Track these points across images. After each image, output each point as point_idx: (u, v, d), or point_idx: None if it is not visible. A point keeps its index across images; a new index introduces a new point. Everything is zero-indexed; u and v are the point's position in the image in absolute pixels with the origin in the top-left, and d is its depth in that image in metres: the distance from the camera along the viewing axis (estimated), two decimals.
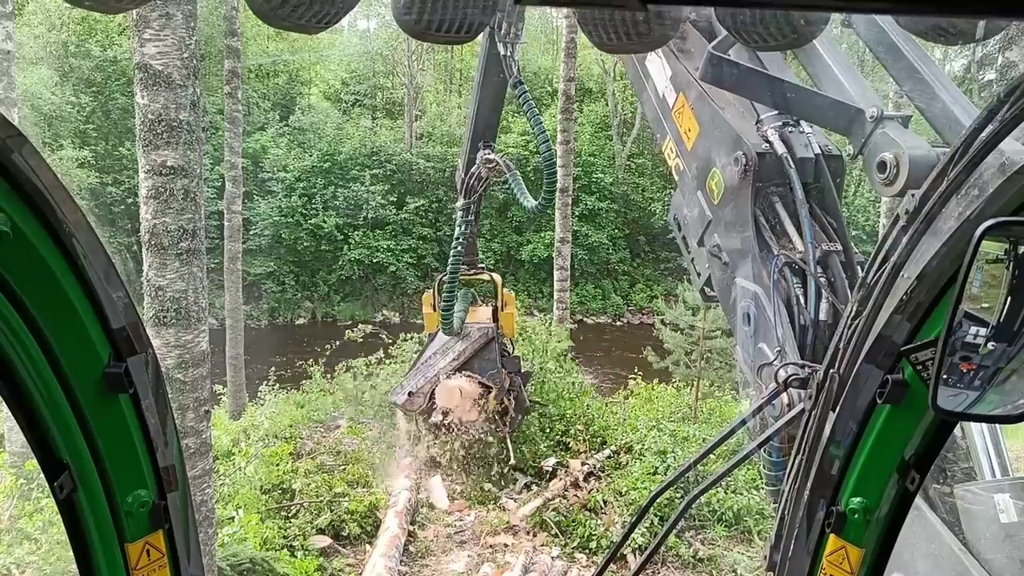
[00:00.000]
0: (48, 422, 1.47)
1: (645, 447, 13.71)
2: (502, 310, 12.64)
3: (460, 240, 11.54)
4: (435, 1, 1.51)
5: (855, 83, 4.48)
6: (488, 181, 11.02)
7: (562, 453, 13.55)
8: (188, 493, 1.79)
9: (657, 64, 5.74)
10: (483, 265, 13.01)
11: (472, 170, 10.94)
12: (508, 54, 8.66)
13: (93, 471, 1.55)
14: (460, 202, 11.35)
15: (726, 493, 12.30)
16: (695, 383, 18.13)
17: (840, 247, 4.56)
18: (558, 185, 18.56)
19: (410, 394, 10.86)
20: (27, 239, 1.34)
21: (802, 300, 4.41)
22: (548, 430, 13.96)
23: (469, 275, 12.57)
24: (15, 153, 1.29)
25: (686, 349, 18.96)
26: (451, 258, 11.60)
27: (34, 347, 1.41)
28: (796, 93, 4.58)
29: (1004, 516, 3.42)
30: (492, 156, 10.56)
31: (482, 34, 9.60)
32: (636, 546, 11.46)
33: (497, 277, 13.07)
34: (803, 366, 3.58)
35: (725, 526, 12.42)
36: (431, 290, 12.84)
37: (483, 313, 12.58)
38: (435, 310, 12.40)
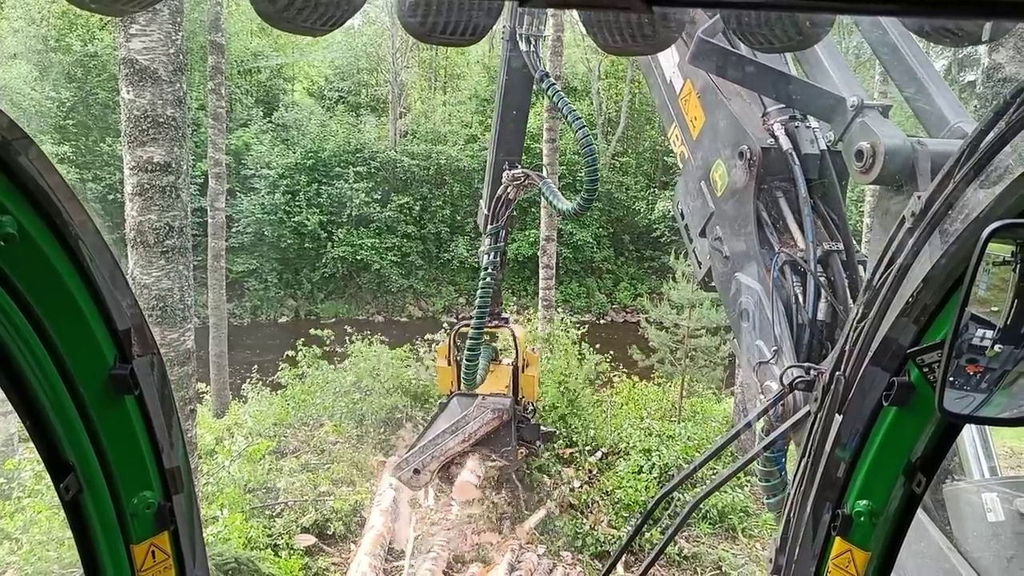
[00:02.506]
0: (54, 424, 1.47)
1: (631, 445, 13.74)
2: (523, 371, 11.26)
3: (488, 281, 9.75)
4: (440, 3, 1.49)
5: (842, 74, 4.50)
6: (516, 201, 9.83)
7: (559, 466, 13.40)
8: (194, 494, 1.79)
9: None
10: (506, 316, 11.34)
11: (498, 193, 9.70)
12: (531, 50, 8.30)
13: (99, 473, 1.55)
14: (488, 229, 9.89)
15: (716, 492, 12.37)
16: (680, 381, 18.21)
17: (842, 246, 4.54)
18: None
19: (415, 471, 10.27)
20: (34, 241, 1.34)
21: (801, 299, 4.41)
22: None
23: (489, 327, 10.87)
24: (22, 156, 1.29)
25: (671, 347, 19.03)
26: (477, 305, 9.72)
27: (40, 349, 1.41)
28: (781, 79, 4.58)
29: (992, 515, 3.45)
30: (518, 172, 9.52)
31: (503, 40, 9.07)
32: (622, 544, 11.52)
33: (519, 331, 11.50)
34: (809, 368, 3.58)
35: (710, 524, 12.49)
36: (445, 341, 11.27)
37: (502, 376, 11.11)
38: (450, 364, 10.91)
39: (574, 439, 13.91)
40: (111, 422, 1.54)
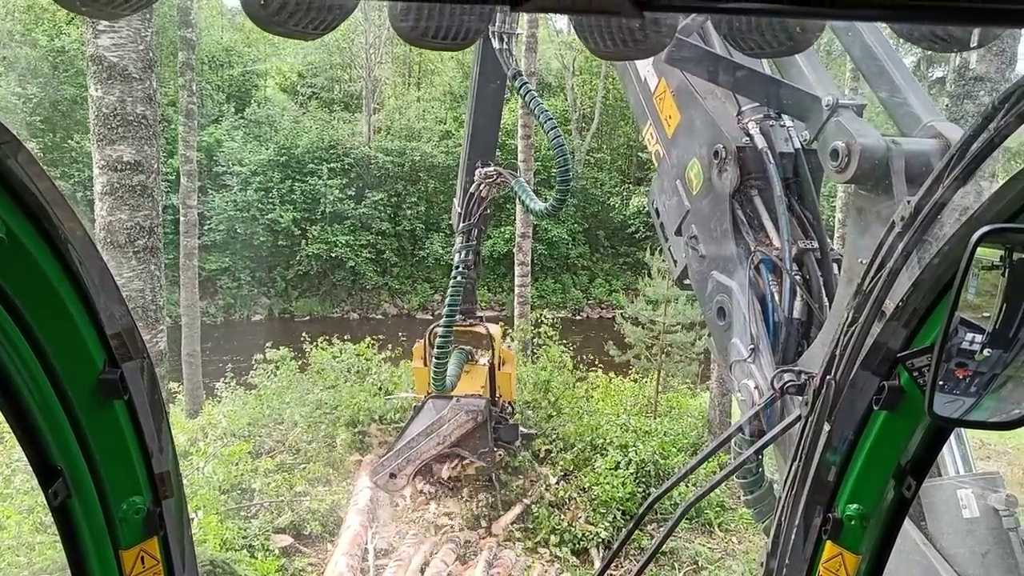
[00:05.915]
0: (43, 428, 1.46)
1: (608, 442, 13.78)
2: (499, 368, 11.17)
3: (459, 280, 9.62)
4: (431, 8, 1.47)
5: (817, 73, 4.51)
6: (489, 200, 9.73)
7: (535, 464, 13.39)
8: (183, 499, 1.78)
9: None
10: (481, 315, 11.25)
11: (471, 191, 9.58)
12: (504, 47, 8.15)
13: (88, 477, 1.55)
14: (460, 227, 9.74)
15: (687, 487, 12.43)
16: (656, 376, 18.29)
17: (816, 244, 4.57)
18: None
19: (392, 476, 10.30)
20: (23, 245, 1.33)
21: (777, 297, 4.42)
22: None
23: (463, 327, 10.82)
24: (11, 159, 1.28)
25: (647, 343, 19.12)
26: (447, 304, 9.58)
27: (29, 353, 1.40)
28: (756, 78, 4.58)
29: (967, 511, 3.48)
30: (491, 169, 9.42)
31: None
32: (600, 541, 11.59)
33: (495, 330, 11.34)
34: (799, 372, 3.59)
35: (686, 519, 12.55)
36: (422, 340, 10.93)
37: (478, 376, 11.00)
38: (425, 364, 10.60)
39: (550, 436, 13.95)
40: (100, 426, 1.53)
